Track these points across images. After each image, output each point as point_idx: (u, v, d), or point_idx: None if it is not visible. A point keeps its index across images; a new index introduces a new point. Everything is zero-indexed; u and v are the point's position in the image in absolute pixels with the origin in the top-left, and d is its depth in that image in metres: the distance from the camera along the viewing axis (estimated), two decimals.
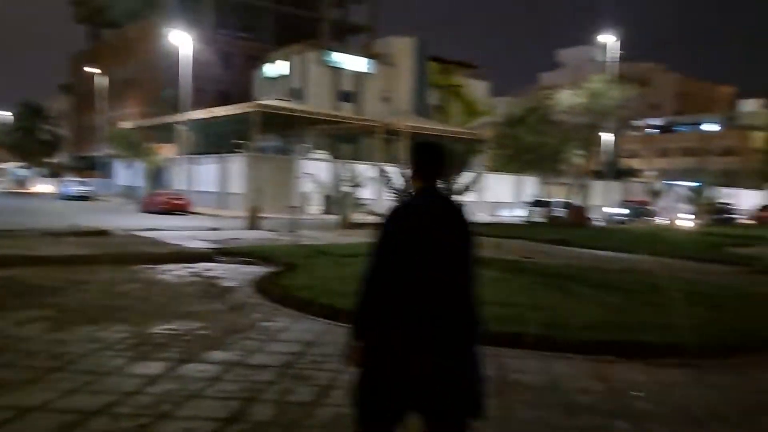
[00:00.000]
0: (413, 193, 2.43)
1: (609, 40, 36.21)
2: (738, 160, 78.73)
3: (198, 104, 36.64)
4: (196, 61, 35.90)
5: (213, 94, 43.22)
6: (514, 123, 29.28)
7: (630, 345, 5.96)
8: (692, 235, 26.93)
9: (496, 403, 4.35)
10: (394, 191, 13.06)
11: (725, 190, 54.60)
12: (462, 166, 14.33)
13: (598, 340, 6.05)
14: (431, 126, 35.03)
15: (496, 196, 37.99)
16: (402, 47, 44.68)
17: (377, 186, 13.38)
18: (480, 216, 24.02)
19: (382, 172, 13.38)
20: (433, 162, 2.44)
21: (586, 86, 29.53)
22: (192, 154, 34.54)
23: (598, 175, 53.31)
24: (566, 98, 29.41)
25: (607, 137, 56.93)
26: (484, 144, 30.75)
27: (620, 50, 37.90)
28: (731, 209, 46.70)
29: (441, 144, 2.55)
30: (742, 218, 47.76)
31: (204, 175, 32.66)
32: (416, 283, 2.24)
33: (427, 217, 2.30)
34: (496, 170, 34.10)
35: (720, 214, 44.27)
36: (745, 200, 58.01)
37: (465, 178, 14.02)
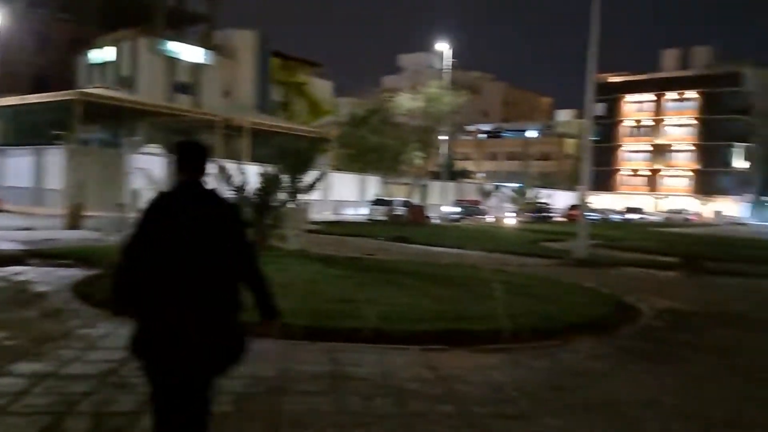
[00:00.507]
0: (175, 185, 2.64)
1: (444, 48, 38.42)
2: (554, 164, 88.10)
3: (9, 90, 32.55)
4: (5, 41, 31.87)
5: (27, 80, 38.68)
6: (357, 123, 29.92)
7: (458, 334, 6.38)
8: (515, 232, 29.56)
9: (330, 397, 4.42)
10: (234, 188, 12.68)
11: (543, 191, 60.72)
12: (307, 164, 14.30)
13: (430, 331, 6.40)
14: (274, 123, 34.54)
15: (341, 194, 38.54)
16: (243, 40, 43.49)
17: (217, 183, 12.91)
18: (324, 214, 24.21)
19: (222, 169, 12.92)
20: (194, 158, 2.66)
21: (423, 91, 31.04)
22: (1, 145, 30.62)
23: (436, 175, 56.48)
24: (406, 102, 30.69)
25: (443, 140, 60.51)
26: (329, 143, 31.04)
27: (453, 58, 40.35)
28: (548, 208, 51.97)
29: (201, 142, 2.82)
30: (556, 216, 53.40)
31: (15, 169, 29.09)
32: (172, 263, 2.47)
33: (184, 205, 2.54)
34: (341, 169, 34.60)
35: (538, 212, 49.11)
36: (560, 200, 64.90)
37: (310, 176, 14.04)
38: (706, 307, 9.47)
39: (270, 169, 13.53)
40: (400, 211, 31.41)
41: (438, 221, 36.12)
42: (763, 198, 75.44)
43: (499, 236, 23.94)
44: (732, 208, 73.28)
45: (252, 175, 13.35)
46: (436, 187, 44.32)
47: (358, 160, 31.10)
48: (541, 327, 6.90)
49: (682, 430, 4.17)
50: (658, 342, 6.89)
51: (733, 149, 74.29)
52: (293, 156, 13.97)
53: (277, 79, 40.77)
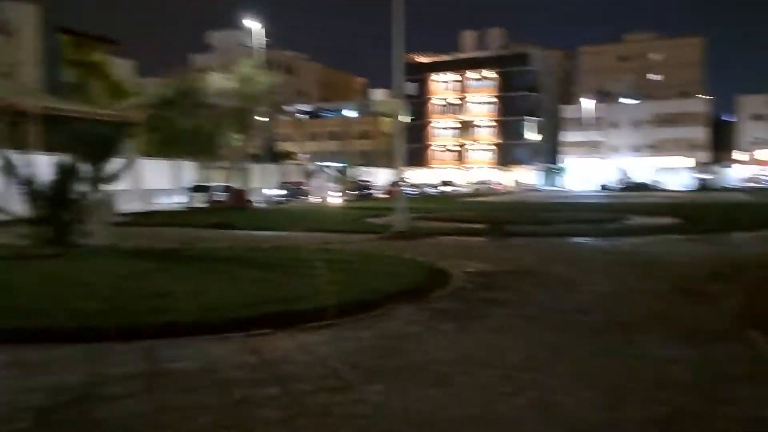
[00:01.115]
0: None
1: (255, 26, 37.47)
2: (373, 143, 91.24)
3: None
4: None
5: None
6: (166, 105, 28.08)
7: (283, 316, 6.37)
8: (339, 211, 30.18)
9: (146, 397, 4.16)
10: (22, 182, 11.25)
11: (364, 169, 62.69)
12: (109, 151, 13.09)
13: (254, 316, 6.31)
14: (69, 107, 30.94)
15: (153, 182, 35.98)
16: (23, 15, 38.27)
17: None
18: (136, 205, 22.50)
19: (6, 160, 11.35)
20: None
21: (236, 70, 30.05)
22: None
23: (257, 158, 55.34)
24: (218, 81, 29.47)
25: (262, 121, 59.24)
26: (135, 127, 28.66)
27: (266, 37, 39.51)
28: (369, 186, 53.82)
29: None
30: (378, 193, 55.54)
31: None
32: None
33: None
34: (151, 156, 32.33)
35: (360, 190, 50.72)
36: (380, 177, 67.47)
37: (114, 164, 12.90)
38: (506, 266, 10.55)
39: (66, 158, 12.18)
40: (220, 196, 30.33)
41: (262, 205, 35.55)
42: (552, 166, 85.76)
43: (323, 216, 24.29)
44: (528, 176, 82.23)
45: (44, 165, 11.93)
46: (257, 169, 43.41)
47: (170, 145, 29.28)
48: (364, 300, 7.16)
49: (486, 378, 4.61)
50: (466, 301, 7.53)
51: (526, 123, 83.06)
52: (93, 143, 12.71)
53: (69, 58, 36.58)
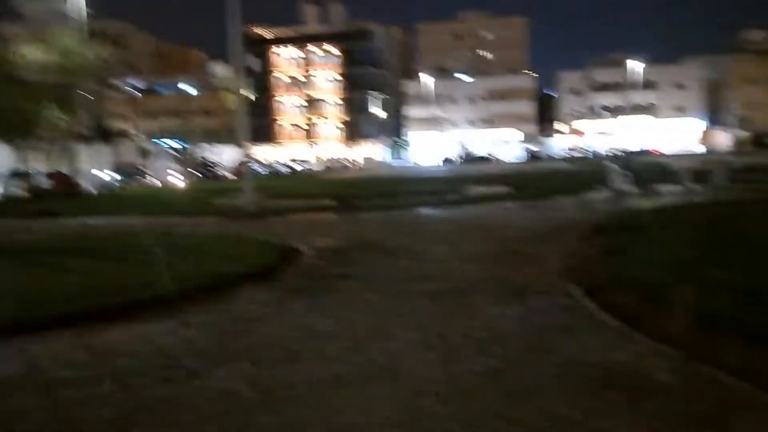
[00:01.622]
0: None
1: None
2: (217, 120, 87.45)
3: None
4: None
5: None
6: None
7: (119, 307, 5.93)
8: (183, 193, 28.67)
9: None
10: None
11: (210, 148, 59.98)
12: None
13: (85, 310, 5.80)
14: None
15: None
16: None
17: None
18: None
19: None
20: None
21: (53, 41, 26.95)
22: None
23: (86, 138, 50.48)
24: (31, 54, 26.23)
25: (87, 98, 54.00)
26: None
27: (86, 5, 35.74)
28: (215, 166, 51.71)
29: None
30: (226, 173, 53.55)
31: None
32: None
33: None
34: None
35: (205, 170, 48.60)
36: (227, 156, 65.00)
37: None
38: (355, 240, 10.75)
39: None
40: (43, 182, 27.34)
41: (93, 189, 32.62)
42: (399, 140, 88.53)
43: (165, 199, 22.91)
44: (376, 151, 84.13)
45: None
46: (87, 151, 39.78)
47: None
48: (210, 284, 6.89)
49: (335, 350, 4.67)
50: (317, 278, 7.56)
51: (372, 99, 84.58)
52: None
53: None
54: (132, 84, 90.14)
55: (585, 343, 4.67)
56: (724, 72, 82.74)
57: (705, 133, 77.49)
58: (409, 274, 7.57)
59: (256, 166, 58.18)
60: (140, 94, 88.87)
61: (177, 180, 40.81)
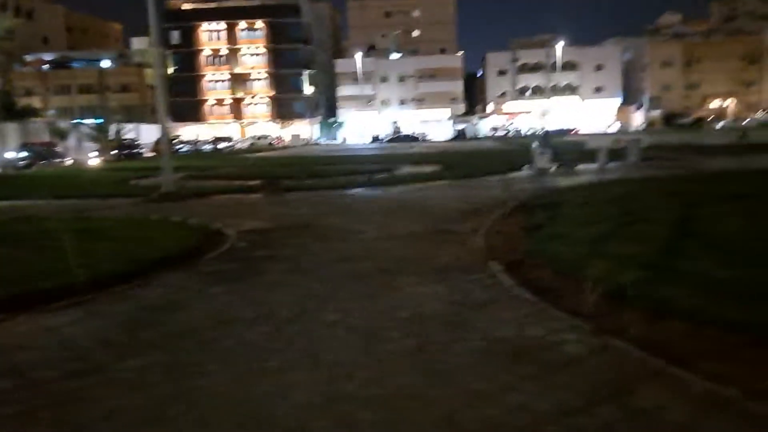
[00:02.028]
0: None
1: None
2: (136, 96, 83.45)
3: None
4: None
5: None
6: None
7: (21, 298, 5.56)
8: (99, 173, 27.28)
9: None
10: None
11: (128, 126, 57.22)
12: None
13: None
14: None
15: None
16: None
17: None
18: None
19: None
20: None
21: None
22: None
23: None
24: None
25: None
26: None
27: None
28: (135, 144, 49.44)
29: None
30: (146, 151, 51.36)
31: None
32: None
33: None
34: None
35: (125, 149, 46.37)
36: (147, 134, 62.28)
37: None
38: (283, 222, 10.57)
39: None
40: None
41: None
42: (330, 119, 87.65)
43: (80, 180, 21.71)
44: (306, 130, 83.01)
45: None
46: None
47: None
48: (123, 270, 6.57)
49: (255, 336, 4.56)
50: (240, 261, 7.37)
51: (301, 76, 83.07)
52: None
53: None
54: (42, 58, 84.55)
55: (502, 319, 4.78)
56: (640, 54, 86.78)
57: (620, 112, 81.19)
58: (336, 256, 7.51)
59: (179, 145, 56.37)
60: (51, 68, 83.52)
61: (93, 160, 38.83)
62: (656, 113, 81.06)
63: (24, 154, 37.29)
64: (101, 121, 50.71)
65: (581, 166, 19.44)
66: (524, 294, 5.48)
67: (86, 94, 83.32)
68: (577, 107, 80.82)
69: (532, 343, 4.25)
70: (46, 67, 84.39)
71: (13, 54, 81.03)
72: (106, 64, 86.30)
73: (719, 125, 72.78)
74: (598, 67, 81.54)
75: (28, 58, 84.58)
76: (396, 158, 29.57)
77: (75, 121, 50.37)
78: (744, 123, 67.37)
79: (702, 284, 5.05)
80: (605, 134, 39.99)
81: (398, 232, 9.07)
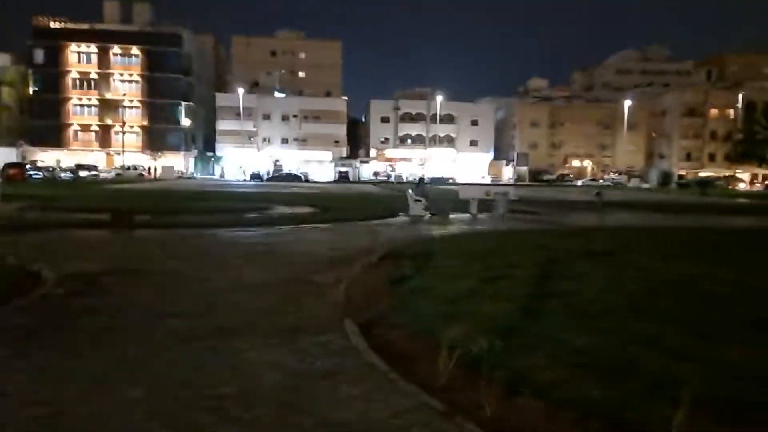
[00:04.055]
0: None
1: None
2: None
3: None
4: None
5: None
6: None
7: None
8: None
9: None
10: None
11: None
12: None
13: None
14: None
15: None
16: None
17: None
18: None
19: None
20: None
21: None
22: None
23: None
24: None
25: None
26: None
27: None
28: None
29: None
30: None
31: None
32: None
33: None
34: None
35: None
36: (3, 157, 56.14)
37: None
38: (118, 264, 9.25)
39: None
40: None
41: None
42: (208, 153, 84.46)
43: None
44: (180, 162, 79.20)
45: None
46: None
47: None
48: None
49: (19, 419, 3.50)
50: (48, 314, 6.11)
51: (178, 107, 79.66)
52: None
53: None
54: None
55: (346, 396, 4.09)
56: (511, 113, 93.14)
57: (492, 165, 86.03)
58: (171, 309, 6.47)
59: (31, 171, 51.13)
60: None
61: None
62: (524, 169, 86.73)
63: None
64: None
65: (454, 215, 19.68)
66: (375, 361, 4.84)
67: None
68: (454, 158, 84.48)
69: (375, 428, 3.58)
70: None
71: None
72: None
73: (579, 183, 79.21)
74: (474, 122, 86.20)
75: None
76: (272, 197, 28.54)
77: None
78: (600, 182, 73.97)
79: (561, 354, 4.70)
80: (477, 185, 41.71)
81: (253, 281, 8.17)
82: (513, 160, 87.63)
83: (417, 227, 16.49)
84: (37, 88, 78.16)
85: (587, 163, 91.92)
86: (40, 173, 52.13)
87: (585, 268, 8.94)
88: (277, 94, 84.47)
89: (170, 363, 4.69)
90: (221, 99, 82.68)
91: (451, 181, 71.03)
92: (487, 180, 77.17)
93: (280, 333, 5.63)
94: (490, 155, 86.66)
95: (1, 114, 77.49)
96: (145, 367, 4.58)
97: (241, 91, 77.99)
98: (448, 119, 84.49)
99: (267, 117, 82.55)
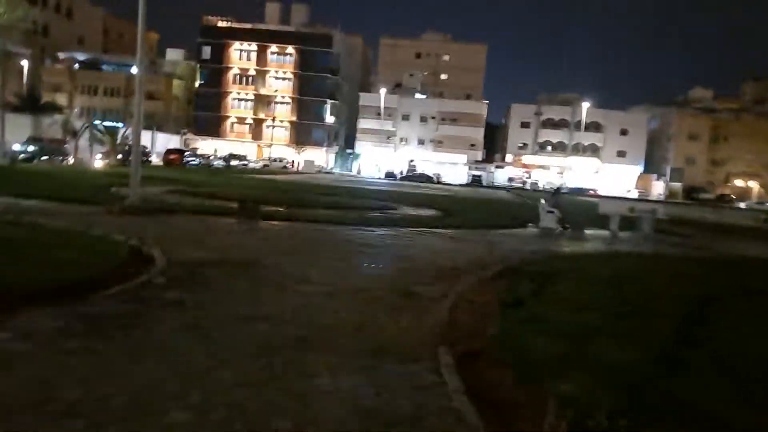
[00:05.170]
0: None
1: None
2: (160, 105, 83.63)
3: None
4: None
5: None
6: None
7: None
8: (91, 175, 26.28)
9: None
10: None
11: (143, 133, 56.86)
12: None
13: None
14: None
15: None
16: None
17: None
18: None
19: None
20: None
21: None
22: None
23: (13, 107, 46.67)
24: None
25: (20, 65, 50.19)
26: None
27: None
28: (144, 151, 48.64)
29: None
30: (153, 159, 50.73)
31: None
32: None
33: None
34: None
35: (130, 155, 45.62)
36: (162, 143, 61.92)
37: None
38: (229, 255, 9.19)
39: None
40: None
41: None
42: (348, 150, 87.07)
43: (61, 181, 20.60)
44: (322, 157, 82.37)
45: None
46: (11, 120, 36.64)
47: None
48: None
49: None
50: (139, 303, 5.97)
51: (324, 105, 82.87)
52: None
53: None
54: (74, 57, 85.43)
55: None
56: (667, 124, 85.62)
57: (640, 179, 79.58)
58: (258, 311, 6.08)
59: (189, 157, 55.65)
60: (81, 68, 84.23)
61: (97, 161, 38.02)
62: (677, 185, 79.31)
63: (29, 147, 36.58)
64: (118, 124, 50.13)
65: (590, 231, 17.95)
66: (465, 408, 4.01)
67: (111, 97, 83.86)
68: (597, 168, 79.41)
69: None
70: (77, 66, 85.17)
71: (45, 49, 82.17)
72: (135, 70, 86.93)
73: (742, 205, 70.85)
74: (623, 132, 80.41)
75: (61, 55, 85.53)
76: (401, 197, 28.26)
77: (95, 122, 49.63)
78: None
79: None
80: (621, 200, 38.34)
81: (352, 286, 7.64)
82: (665, 175, 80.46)
83: (545, 241, 15.16)
84: (202, 82, 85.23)
85: (753, 184, 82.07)
86: (197, 160, 56.49)
87: (744, 311, 7.37)
88: (417, 96, 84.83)
89: (230, 380, 4.21)
90: (364, 98, 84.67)
91: (591, 192, 66.70)
92: (634, 194, 71.40)
93: (363, 355, 4.98)
94: (639, 168, 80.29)
95: (171, 104, 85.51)
96: (201, 382, 4.12)
97: (383, 91, 79.26)
98: (594, 127, 79.57)
99: (406, 117, 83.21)
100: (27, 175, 21.68)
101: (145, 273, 7.32)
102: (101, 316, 5.43)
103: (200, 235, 11.35)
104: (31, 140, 38.16)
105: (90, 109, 77.12)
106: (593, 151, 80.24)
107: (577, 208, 24.03)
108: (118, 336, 4.91)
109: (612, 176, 78.03)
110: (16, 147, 36.15)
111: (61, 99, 73.21)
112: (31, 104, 50.35)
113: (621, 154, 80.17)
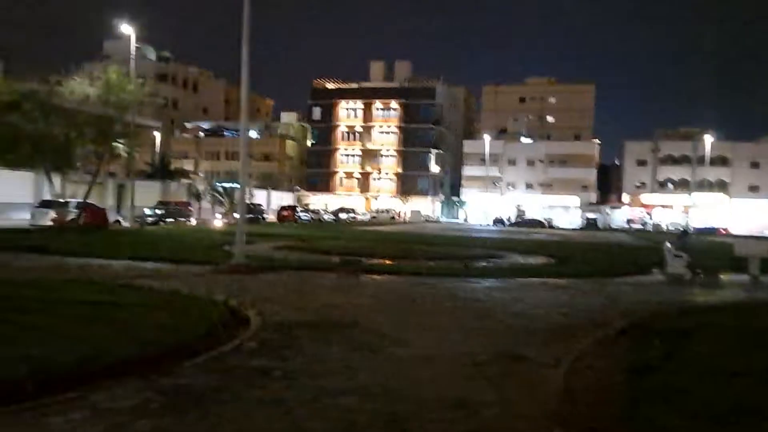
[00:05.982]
0: None
1: (130, 31, 34.59)
2: (275, 165, 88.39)
3: None
4: None
5: None
6: (6, 109, 24.54)
7: None
8: (209, 235, 27.62)
9: None
10: None
11: (257, 192, 59.98)
12: None
13: None
14: None
15: (5, 195, 32.18)
16: None
17: None
18: None
19: None
20: None
21: (102, 77, 27.05)
22: None
23: (149, 175, 51.23)
24: (78, 87, 26.37)
25: (152, 136, 55.13)
26: None
27: (166, 51, 36.36)
28: (259, 209, 51.12)
29: None
30: (269, 217, 53.06)
31: None
32: None
33: None
34: None
35: (249, 213, 48.00)
36: (276, 201, 64.94)
37: None
38: (325, 314, 8.82)
39: None
40: (70, 214, 26.89)
41: (127, 225, 32.22)
42: (453, 198, 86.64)
43: (177, 241, 21.70)
44: (428, 206, 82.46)
45: None
46: (140, 186, 40.11)
47: (9, 153, 25.68)
48: (62, 371, 5.10)
49: None
50: (223, 374, 5.64)
51: (429, 155, 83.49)
52: None
53: None
54: (199, 126, 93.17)
55: None
56: None
57: None
58: (349, 383, 5.52)
59: (301, 213, 57.77)
60: (206, 136, 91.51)
61: (218, 221, 40.23)
62: None
63: (156, 211, 39.51)
64: (236, 184, 53.30)
65: (726, 277, 15.90)
66: None
67: (232, 160, 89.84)
68: (726, 205, 72.68)
69: None
70: (201, 134, 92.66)
71: (175, 121, 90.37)
72: (253, 134, 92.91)
73: None
74: (754, 164, 73.51)
75: (188, 125, 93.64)
76: (509, 244, 27.09)
77: (219, 184, 52.99)
78: None
79: None
80: (760, 239, 34.22)
81: (451, 351, 6.92)
82: None
83: (675, 290, 13.53)
84: (314, 142, 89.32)
85: None
86: (308, 215, 58.48)
87: None
88: (523, 140, 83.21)
89: None
90: (468, 146, 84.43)
91: (722, 231, 60.87)
92: None
93: None
94: None
95: (285, 164, 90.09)
96: None
97: (487, 137, 78.54)
98: (720, 161, 73.39)
99: (512, 162, 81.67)
100: (151, 237, 23.12)
101: (238, 337, 7.09)
102: (181, 390, 5.13)
103: (300, 293, 11.16)
104: (159, 204, 41.22)
105: (213, 173, 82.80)
106: (720, 186, 73.85)
107: (708, 251, 21.66)
108: (193, 414, 4.55)
109: (743, 213, 70.95)
110: (146, 211, 39.08)
111: (188, 165, 79.53)
112: (162, 171, 55.08)
113: (753, 188, 73.10)
